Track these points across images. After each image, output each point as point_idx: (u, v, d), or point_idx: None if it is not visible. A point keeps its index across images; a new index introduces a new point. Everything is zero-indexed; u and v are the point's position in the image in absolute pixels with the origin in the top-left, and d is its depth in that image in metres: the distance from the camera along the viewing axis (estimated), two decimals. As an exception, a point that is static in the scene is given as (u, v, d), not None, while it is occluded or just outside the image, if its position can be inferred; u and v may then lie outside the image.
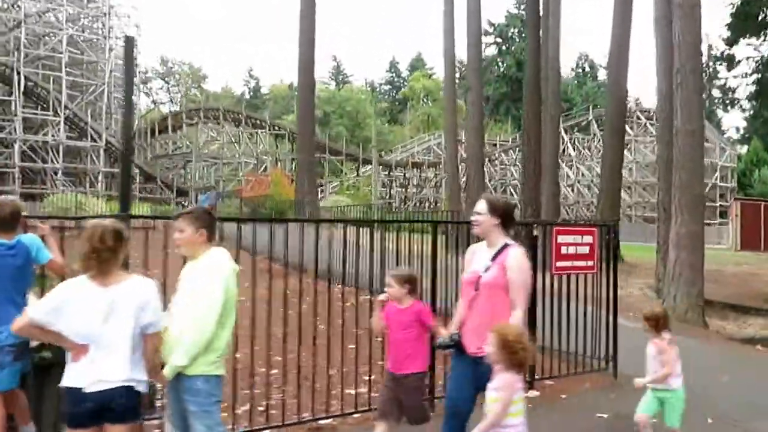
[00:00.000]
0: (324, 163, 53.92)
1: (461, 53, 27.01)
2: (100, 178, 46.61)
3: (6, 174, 43.38)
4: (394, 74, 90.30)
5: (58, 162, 44.28)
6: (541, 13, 22.32)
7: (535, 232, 6.79)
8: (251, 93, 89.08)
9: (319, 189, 54.08)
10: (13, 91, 43.34)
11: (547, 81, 21.10)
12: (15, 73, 43.39)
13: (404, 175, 52.15)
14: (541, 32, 21.93)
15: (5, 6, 48.07)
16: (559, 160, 29.09)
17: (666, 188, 14.66)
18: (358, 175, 51.52)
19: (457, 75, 32.71)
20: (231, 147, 55.54)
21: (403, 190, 51.92)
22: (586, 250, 6.67)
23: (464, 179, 29.32)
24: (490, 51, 73.92)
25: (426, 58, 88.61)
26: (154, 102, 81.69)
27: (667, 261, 12.48)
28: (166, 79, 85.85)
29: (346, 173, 55.62)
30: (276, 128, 52.68)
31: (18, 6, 46.89)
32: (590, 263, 6.78)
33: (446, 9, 26.13)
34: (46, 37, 48.42)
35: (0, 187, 37.70)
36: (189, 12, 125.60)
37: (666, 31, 14.85)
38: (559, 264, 6.50)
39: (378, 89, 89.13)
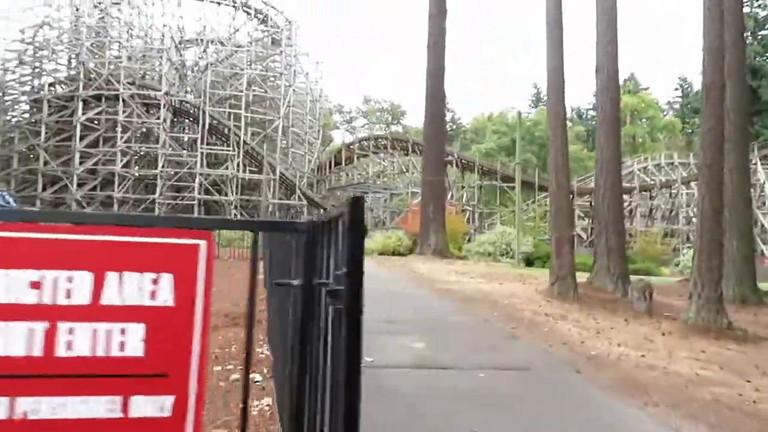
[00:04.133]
0: (500, 191, 49.25)
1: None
2: (270, 209, 47.38)
3: (191, 206, 46.02)
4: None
5: (233, 194, 45.91)
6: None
7: None
8: (447, 125, 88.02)
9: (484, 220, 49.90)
10: (199, 129, 46.28)
11: None
12: (201, 112, 46.41)
13: (590, 203, 44.98)
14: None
15: (199, 53, 52.39)
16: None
17: None
18: (534, 202, 45.71)
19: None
20: (403, 177, 53.53)
21: (589, 220, 44.70)
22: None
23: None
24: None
25: (640, 77, 79.54)
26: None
27: None
28: (368, 117, 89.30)
29: (529, 203, 50.32)
30: (445, 155, 49.20)
31: (206, 52, 50.68)
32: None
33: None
34: (232, 79, 51.45)
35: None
36: (387, 47, 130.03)
37: None
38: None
39: (584, 114, 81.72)
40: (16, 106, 48.59)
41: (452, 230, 29.06)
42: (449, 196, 49.49)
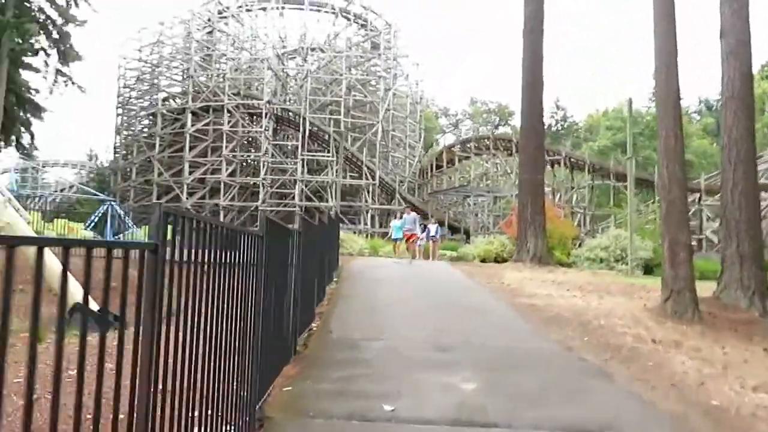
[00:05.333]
0: (614, 192, 45.32)
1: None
2: (370, 214, 46.83)
3: (292, 213, 46.53)
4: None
5: (333, 200, 45.81)
6: None
7: None
8: (558, 124, 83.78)
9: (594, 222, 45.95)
10: (299, 136, 46.76)
11: None
12: (301, 119, 46.87)
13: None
14: None
15: (300, 61, 53.13)
16: None
17: None
18: (654, 202, 41.41)
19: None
20: (507, 178, 50.98)
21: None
22: None
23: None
24: None
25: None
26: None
27: None
28: (473, 119, 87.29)
29: (649, 203, 45.95)
30: (552, 154, 46.05)
31: (306, 60, 51.23)
32: None
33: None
34: (332, 85, 51.61)
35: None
36: (487, 45, 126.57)
37: None
38: None
39: (714, 106, 74.37)
40: (133, 121, 51.77)
41: (559, 234, 26.50)
42: (557, 197, 46.31)
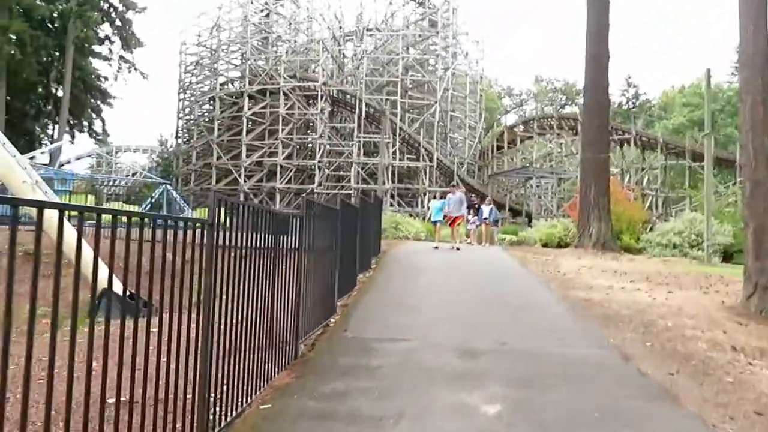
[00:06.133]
0: (691, 172, 42.24)
1: None
2: (427, 196, 45.68)
3: (349, 195, 45.98)
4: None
5: (389, 183, 44.96)
6: None
7: None
8: (629, 102, 79.57)
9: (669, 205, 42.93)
10: (355, 118, 46.04)
11: None
12: (357, 100, 46.10)
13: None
14: None
15: (356, 41, 52.23)
16: None
17: None
18: (735, 184, 38.26)
19: None
20: (572, 159, 48.56)
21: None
22: None
23: None
24: None
25: None
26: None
27: None
28: (538, 99, 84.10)
29: (729, 184, 42.58)
30: (621, 133, 43.30)
31: (362, 40, 50.27)
32: None
33: None
34: (389, 65, 50.47)
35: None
36: (554, 24, 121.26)
37: None
38: None
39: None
40: (194, 106, 52.48)
41: (628, 218, 24.67)
42: (627, 178, 43.68)
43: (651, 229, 27.21)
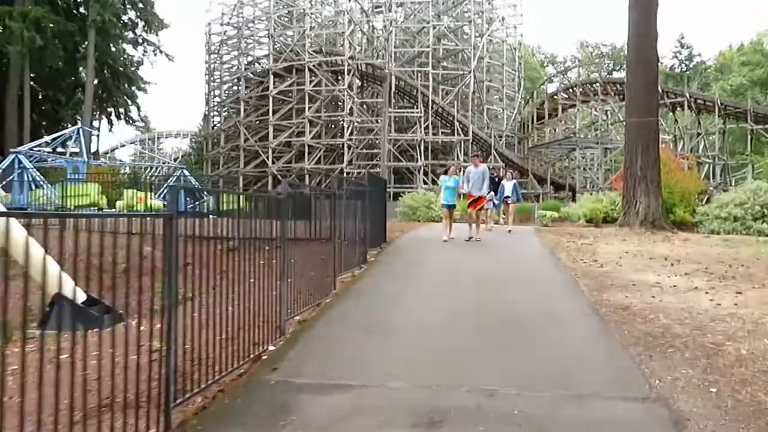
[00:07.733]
0: (753, 137, 38.54)
1: None
2: (463, 173, 43.36)
3: (380, 174, 44.09)
4: None
5: (422, 159, 42.86)
6: None
7: None
8: (682, 64, 74.48)
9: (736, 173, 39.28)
10: (384, 93, 43.92)
11: None
12: (387, 74, 43.91)
13: None
14: None
15: (385, 12, 49.78)
16: None
17: None
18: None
19: None
20: (618, 127, 45.25)
21: None
22: None
23: None
24: None
25: None
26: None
27: None
28: (584, 66, 79.87)
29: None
30: (673, 96, 39.73)
31: (391, 10, 47.84)
32: None
33: None
34: (419, 35, 47.96)
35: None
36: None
37: None
38: None
39: None
40: (221, 88, 51.24)
41: (681, 189, 22.00)
42: (680, 146, 40.25)
43: (708, 201, 24.43)
